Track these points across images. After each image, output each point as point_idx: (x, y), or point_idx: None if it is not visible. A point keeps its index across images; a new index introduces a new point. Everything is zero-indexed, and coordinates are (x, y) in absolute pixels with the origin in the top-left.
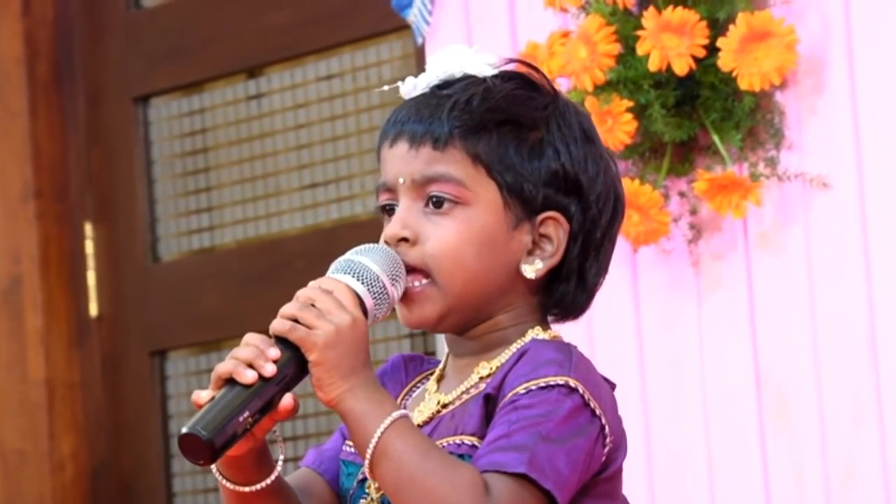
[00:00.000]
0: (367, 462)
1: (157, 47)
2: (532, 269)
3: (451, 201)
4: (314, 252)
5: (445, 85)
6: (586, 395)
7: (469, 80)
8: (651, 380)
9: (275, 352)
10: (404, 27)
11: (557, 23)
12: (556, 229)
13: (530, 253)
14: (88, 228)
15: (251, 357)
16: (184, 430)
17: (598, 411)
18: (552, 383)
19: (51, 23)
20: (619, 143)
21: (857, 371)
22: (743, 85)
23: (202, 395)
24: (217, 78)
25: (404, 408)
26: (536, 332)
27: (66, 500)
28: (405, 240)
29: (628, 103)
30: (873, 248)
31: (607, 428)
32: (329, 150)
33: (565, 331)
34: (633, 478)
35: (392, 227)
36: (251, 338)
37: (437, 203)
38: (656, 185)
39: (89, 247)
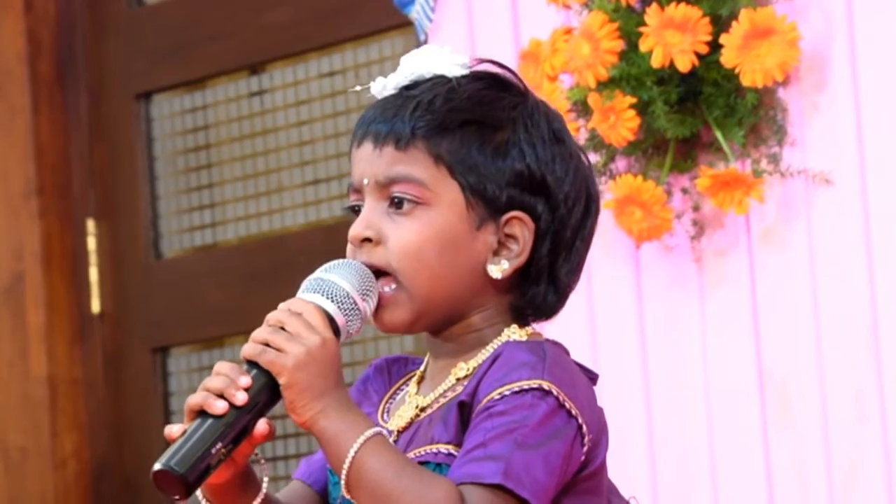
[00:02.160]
0: (343, 482)
1: (160, 44)
2: (498, 269)
3: (413, 202)
4: (316, 249)
5: (414, 85)
6: (561, 397)
7: (436, 81)
8: (654, 376)
9: (245, 380)
10: (407, 24)
11: (560, 19)
12: (521, 229)
13: (496, 253)
14: (91, 225)
15: (221, 387)
16: (156, 466)
17: (573, 412)
18: (525, 387)
19: (53, 20)
20: (622, 139)
21: (859, 368)
22: (746, 81)
23: (174, 430)
24: (219, 74)
25: (388, 411)
26: (513, 331)
27: (68, 497)
28: (368, 240)
29: (631, 100)
30: (876, 245)
31: (584, 427)
32: (331, 146)
33: (568, 329)
34: (636, 475)
35: (355, 228)
36: (221, 366)
37: (399, 203)
38: (659, 181)
39: (92, 243)
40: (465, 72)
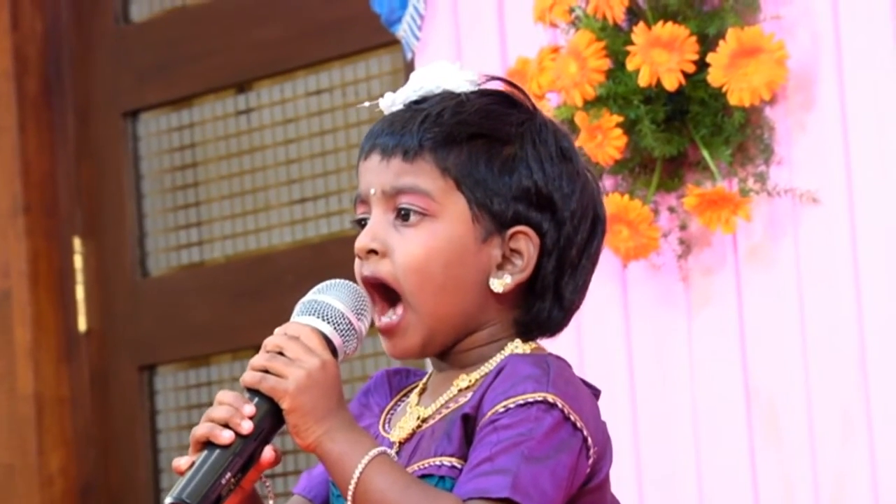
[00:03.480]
0: (349, 503)
1: (147, 62)
2: (500, 283)
3: (419, 213)
4: (303, 267)
5: (423, 100)
6: (566, 410)
7: (445, 95)
8: (641, 394)
9: (249, 408)
10: (394, 42)
11: (547, 38)
12: (526, 244)
13: (500, 267)
14: (77, 243)
15: (226, 416)
16: (168, 499)
17: (579, 424)
18: (531, 400)
19: (40, 38)
20: (609, 158)
21: (846, 386)
22: (733, 100)
23: (182, 462)
24: (206, 93)
25: (389, 422)
26: (516, 345)
27: None
28: (374, 252)
29: (618, 118)
30: (863, 263)
31: (590, 439)
32: (318, 165)
33: (555, 346)
34: (624, 492)
35: (362, 239)
36: (224, 396)
37: (405, 215)
38: (646, 200)
39: (78, 261)
40: (474, 88)
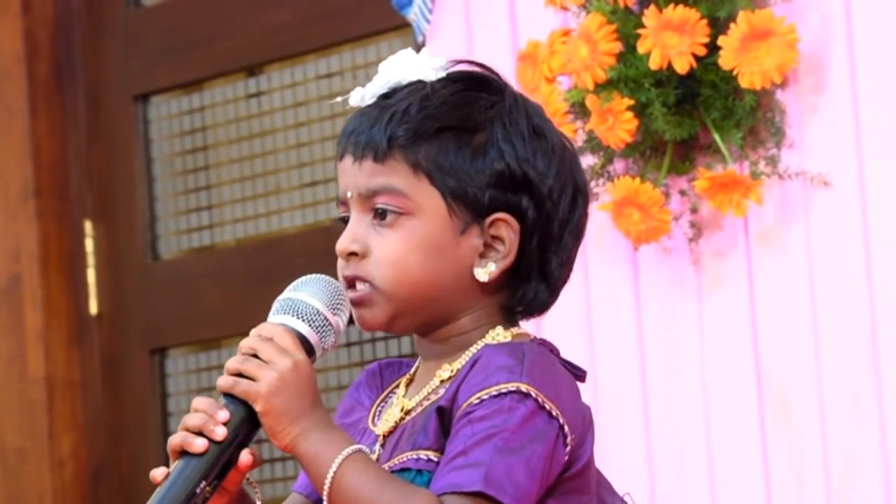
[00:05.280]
0: (325, 502)
1: (157, 45)
2: (485, 272)
3: (395, 212)
4: (314, 250)
5: (391, 93)
6: (540, 399)
7: (411, 88)
8: (651, 378)
9: (224, 414)
10: (404, 25)
11: (558, 21)
12: (506, 230)
13: (482, 256)
14: (88, 226)
15: (200, 424)
16: None
17: (554, 412)
18: (504, 391)
19: (51, 21)
20: (620, 141)
21: (857, 370)
22: (744, 83)
23: (157, 474)
24: (217, 76)
25: (378, 415)
26: (497, 333)
27: (65, 498)
28: (354, 254)
29: (629, 102)
30: (874, 247)
31: (566, 427)
32: (329, 148)
33: (566, 331)
34: (634, 477)
35: (341, 242)
36: (199, 403)
37: (382, 215)
38: (657, 183)
39: (89, 245)
40: (442, 74)
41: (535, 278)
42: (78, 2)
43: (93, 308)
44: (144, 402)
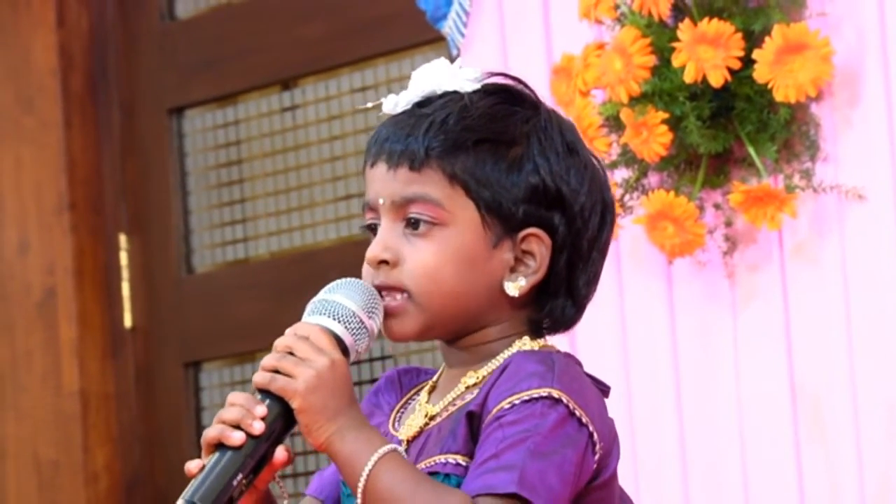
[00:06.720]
0: (359, 500)
1: (192, 59)
2: (515, 287)
3: (429, 222)
4: (348, 263)
5: (426, 102)
6: (571, 405)
7: (448, 98)
8: (686, 391)
9: (261, 409)
10: (439, 39)
11: (592, 34)
12: (538, 246)
13: (513, 270)
14: (123, 240)
15: (238, 418)
16: (179, 502)
17: (584, 419)
18: (535, 396)
19: (85, 34)
20: (655, 154)
21: (892, 382)
22: (778, 97)
23: (192, 466)
24: (251, 89)
25: (398, 420)
26: (524, 342)
27: None
28: (385, 262)
29: (663, 115)
30: None
31: (596, 435)
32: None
33: (601, 344)
34: (668, 489)
35: (373, 250)
36: (235, 397)
37: (415, 224)
38: (691, 196)
39: (124, 258)
40: (477, 86)
41: (563, 295)
42: (113, 15)
43: (127, 321)
44: (179, 415)
